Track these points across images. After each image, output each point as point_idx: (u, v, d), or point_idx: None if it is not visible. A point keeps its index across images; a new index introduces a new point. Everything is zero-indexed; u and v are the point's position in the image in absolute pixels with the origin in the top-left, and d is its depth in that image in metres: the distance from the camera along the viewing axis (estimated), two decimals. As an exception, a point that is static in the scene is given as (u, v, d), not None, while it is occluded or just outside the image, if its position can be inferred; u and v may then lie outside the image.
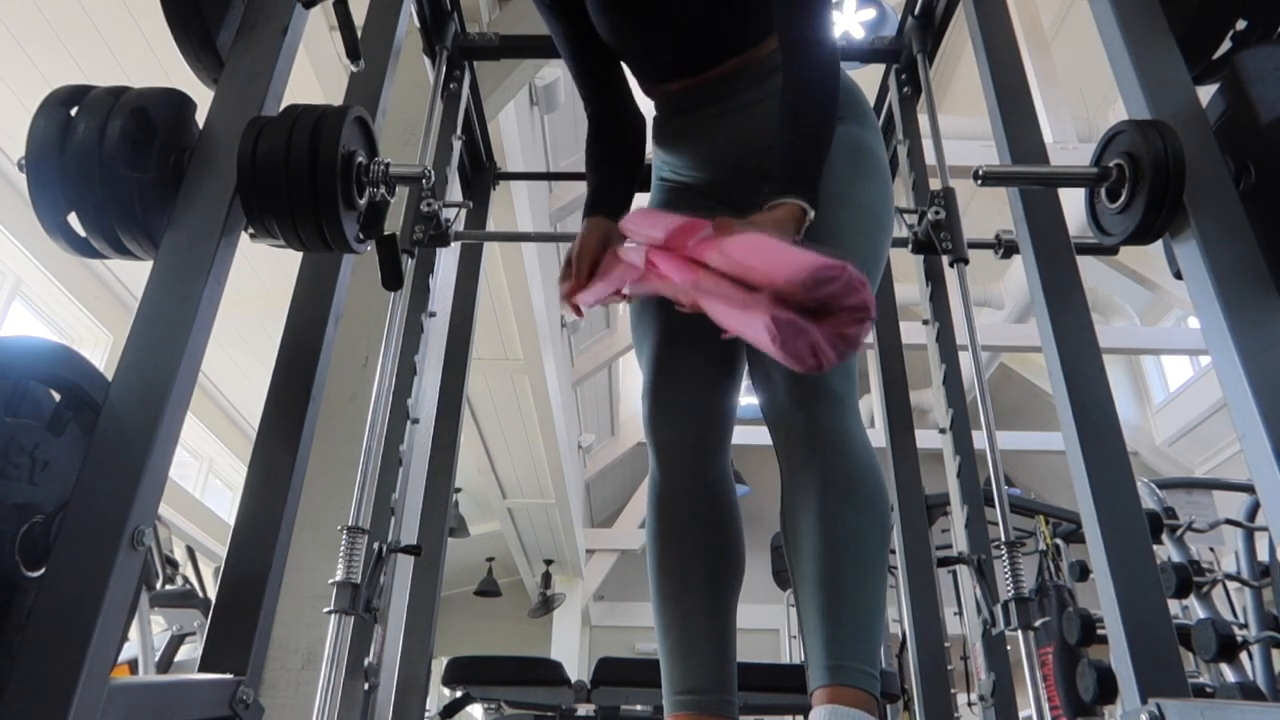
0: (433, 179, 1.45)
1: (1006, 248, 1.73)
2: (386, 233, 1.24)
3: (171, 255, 1.01)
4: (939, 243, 1.73)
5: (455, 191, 2.16)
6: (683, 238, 1.06)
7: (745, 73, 1.30)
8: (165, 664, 3.33)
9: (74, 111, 1.05)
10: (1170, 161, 1.10)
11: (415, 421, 1.77)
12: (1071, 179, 1.33)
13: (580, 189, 4.51)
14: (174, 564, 3.57)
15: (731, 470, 1.31)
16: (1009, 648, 1.58)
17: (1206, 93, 1.21)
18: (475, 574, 8.75)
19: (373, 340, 2.04)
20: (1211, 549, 3.67)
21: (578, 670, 7.40)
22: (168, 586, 3.43)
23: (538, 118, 3.79)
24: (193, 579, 3.84)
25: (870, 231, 1.23)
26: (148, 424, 0.89)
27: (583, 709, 2.44)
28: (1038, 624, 1.39)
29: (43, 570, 0.82)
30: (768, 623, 8.26)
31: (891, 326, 2.17)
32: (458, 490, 6.32)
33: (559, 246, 5.06)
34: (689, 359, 1.28)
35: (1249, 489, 3.03)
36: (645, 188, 1.52)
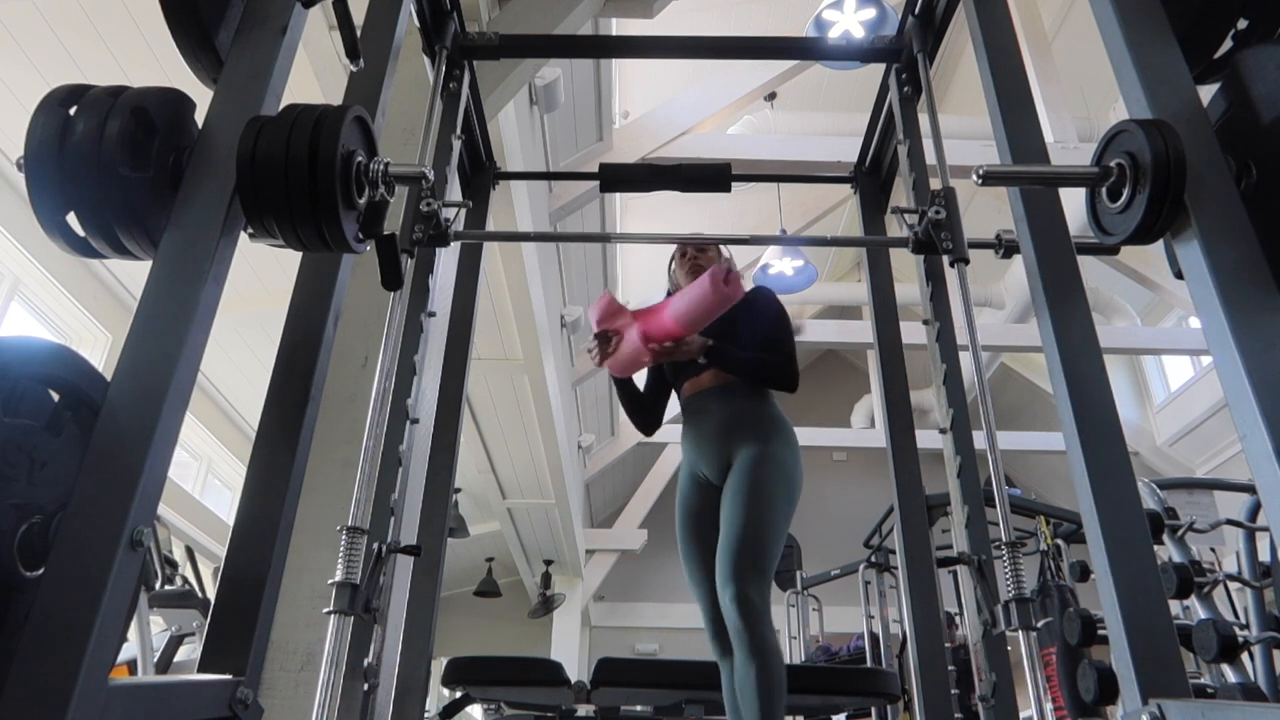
0: (432, 179, 1.44)
1: (1007, 248, 1.72)
2: (386, 233, 1.24)
3: (170, 255, 1.01)
4: (939, 242, 1.73)
5: (455, 191, 2.15)
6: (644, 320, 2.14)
7: None
8: (164, 664, 3.33)
9: (73, 111, 1.04)
10: (1171, 161, 1.10)
11: (415, 421, 1.77)
12: (1072, 179, 1.33)
13: (580, 189, 4.55)
14: (173, 564, 3.57)
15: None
16: (1010, 648, 1.58)
17: (1207, 92, 1.21)
18: (475, 574, 8.75)
19: (372, 340, 2.04)
20: (1212, 549, 3.67)
21: (578, 670, 7.40)
22: (167, 587, 3.43)
23: (537, 117, 3.78)
24: (192, 579, 3.83)
25: (776, 481, 2.03)
26: (146, 424, 0.89)
27: (582, 709, 2.44)
28: (1039, 624, 1.39)
29: (41, 570, 0.82)
30: (768, 623, 8.25)
31: (891, 326, 2.17)
32: (458, 490, 6.32)
33: (559, 246, 5.05)
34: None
35: (1250, 489, 3.03)
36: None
